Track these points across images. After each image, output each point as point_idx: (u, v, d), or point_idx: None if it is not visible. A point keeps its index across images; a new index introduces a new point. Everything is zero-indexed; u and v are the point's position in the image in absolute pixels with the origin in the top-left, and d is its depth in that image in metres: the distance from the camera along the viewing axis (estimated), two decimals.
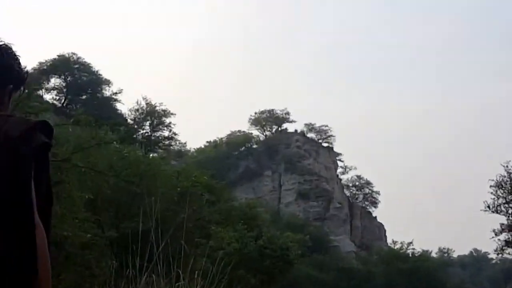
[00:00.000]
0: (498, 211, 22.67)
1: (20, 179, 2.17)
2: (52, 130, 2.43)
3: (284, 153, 63.65)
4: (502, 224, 22.79)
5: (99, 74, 52.46)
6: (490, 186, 22.56)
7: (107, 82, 52.56)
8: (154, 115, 47.70)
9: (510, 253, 24.22)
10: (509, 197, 22.13)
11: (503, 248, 23.61)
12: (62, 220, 9.74)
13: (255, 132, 72.14)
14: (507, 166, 22.61)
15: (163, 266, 5.38)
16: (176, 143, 52.98)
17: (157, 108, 49.22)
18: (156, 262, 5.33)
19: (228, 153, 64.45)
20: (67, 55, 49.47)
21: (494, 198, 22.57)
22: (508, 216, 22.22)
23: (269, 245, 23.00)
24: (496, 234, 23.05)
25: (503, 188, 22.62)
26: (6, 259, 2.03)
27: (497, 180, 22.88)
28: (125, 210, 17.69)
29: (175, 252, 6.02)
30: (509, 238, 22.62)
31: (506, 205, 22.13)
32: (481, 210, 24.38)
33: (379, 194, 74.07)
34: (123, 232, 14.69)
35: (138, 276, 5.41)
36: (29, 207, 2.16)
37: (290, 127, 69.85)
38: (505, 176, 22.27)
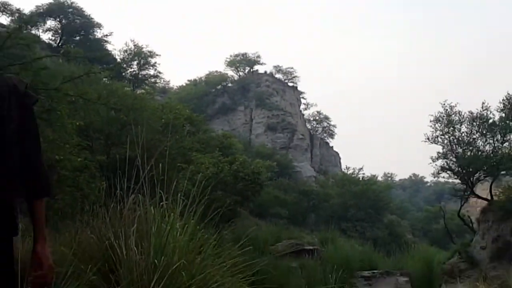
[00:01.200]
0: (436, 142, 23.92)
1: (28, 127, 2.37)
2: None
3: (255, 91, 65.95)
4: (438, 153, 24.07)
5: (91, 18, 52.14)
6: (430, 121, 24.00)
7: (98, 25, 52.22)
8: (141, 56, 46.74)
9: (444, 176, 25.87)
10: (445, 129, 23.37)
11: (439, 172, 25.05)
12: (54, 145, 9.72)
13: (230, 72, 74.60)
14: (444, 104, 23.98)
15: (148, 188, 5.32)
16: (160, 81, 54.09)
17: (144, 49, 48.22)
18: (142, 184, 5.26)
19: (207, 91, 65.75)
20: (61, 0, 48.61)
21: (432, 131, 23.89)
22: (444, 146, 23.50)
23: (242, 170, 23.24)
24: (433, 161, 24.33)
25: (440, 122, 23.88)
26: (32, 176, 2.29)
27: (435, 116, 24.24)
28: (114, 139, 17.03)
29: (159, 176, 5.80)
30: (444, 164, 23.91)
31: (442, 137, 23.41)
32: (421, 141, 25.93)
33: (335, 127, 78.02)
34: (112, 158, 14.55)
35: (125, 196, 5.37)
36: (39, 147, 2.41)
37: (260, 69, 72.78)
38: (442, 113, 23.55)
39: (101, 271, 5.34)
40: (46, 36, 45.29)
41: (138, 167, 5.39)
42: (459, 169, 22.74)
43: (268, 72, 66.82)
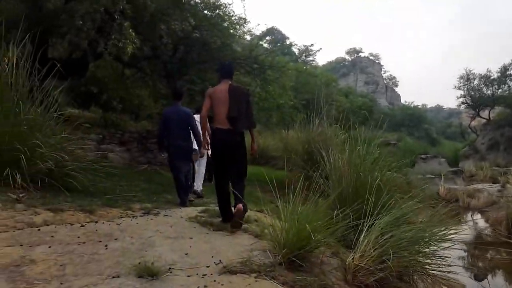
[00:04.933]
0: (459, 89, 26.19)
1: (251, 109, 4.03)
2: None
3: (359, 66, 76.77)
4: (460, 94, 26.11)
5: (284, 34, 59.63)
6: (457, 78, 26.09)
7: (287, 37, 58.87)
8: (307, 51, 56.25)
9: (461, 106, 27.92)
10: (465, 83, 25.78)
11: (459, 104, 27.64)
12: (277, 95, 11.38)
13: (347, 56, 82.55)
14: (466, 69, 25.89)
15: (325, 118, 7.03)
16: (315, 60, 60.18)
17: (309, 48, 57.16)
18: (322, 116, 7.14)
19: (337, 65, 75.50)
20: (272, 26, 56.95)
21: (458, 84, 26.25)
22: (463, 91, 26.07)
23: (361, 103, 27.47)
24: (458, 98, 26.29)
25: (462, 79, 25.96)
26: (246, 122, 4.01)
27: (460, 76, 26.09)
28: (301, 89, 20.76)
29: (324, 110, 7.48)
30: (462, 100, 26.34)
31: (462, 87, 26.00)
32: (452, 88, 29.12)
33: (398, 81, 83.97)
34: (304, 100, 15.94)
35: (312, 121, 7.39)
36: (252, 112, 4.13)
37: (362, 54, 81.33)
38: (464, 74, 25.72)
39: (302, 158, 6.96)
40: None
41: (316, 106, 6.86)
42: (472, 103, 26.12)
43: (365, 55, 75.18)
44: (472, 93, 25.35)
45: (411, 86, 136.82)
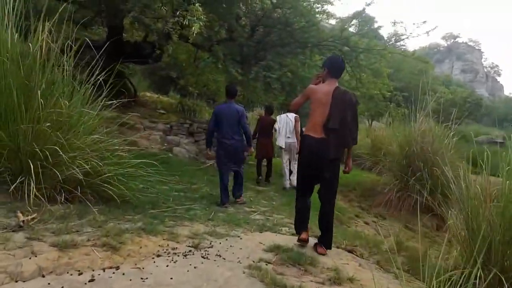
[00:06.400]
0: None
1: (356, 121, 3.35)
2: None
3: (456, 52, 69.23)
4: None
5: (369, 13, 57.53)
6: None
7: (375, 20, 57.41)
8: (397, 35, 57.31)
9: None
10: None
11: None
12: (372, 83, 10.08)
13: (442, 42, 75.88)
14: None
15: (430, 115, 6.36)
16: (406, 46, 64.13)
17: (400, 31, 59.43)
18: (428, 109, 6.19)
19: (430, 51, 65.77)
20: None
21: None
22: None
23: (461, 94, 24.82)
24: None
25: None
26: (349, 137, 3.30)
27: None
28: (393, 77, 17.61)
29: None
30: None
31: None
32: None
33: (501, 70, 75.76)
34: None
35: (415, 115, 6.39)
36: (357, 126, 3.43)
37: (459, 40, 73.95)
38: None
39: (398, 162, 6.23)
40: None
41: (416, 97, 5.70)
42: None
43: (463, 41, 66.88)
44: None
45: None
